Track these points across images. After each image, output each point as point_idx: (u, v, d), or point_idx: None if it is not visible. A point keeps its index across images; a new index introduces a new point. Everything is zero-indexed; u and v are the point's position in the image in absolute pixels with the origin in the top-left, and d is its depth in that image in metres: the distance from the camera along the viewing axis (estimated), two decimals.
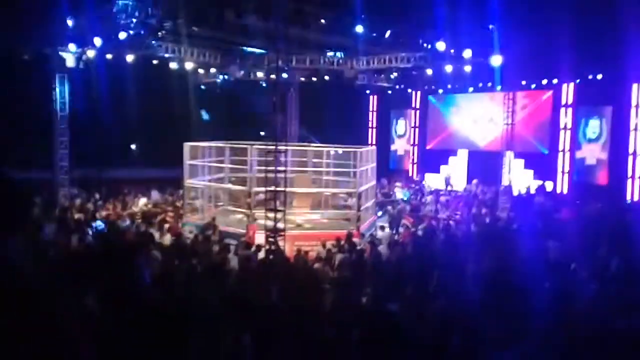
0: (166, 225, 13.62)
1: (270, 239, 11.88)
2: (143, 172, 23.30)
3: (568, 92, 22.11)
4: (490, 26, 16.49)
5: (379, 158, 18.31)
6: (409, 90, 27.48)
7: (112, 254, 8.95)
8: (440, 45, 17.11)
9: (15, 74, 19.39)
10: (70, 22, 15.72)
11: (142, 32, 16.44)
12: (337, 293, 8.67)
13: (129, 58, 17.95)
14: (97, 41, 16.26)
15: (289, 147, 13.69)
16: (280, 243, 11.89)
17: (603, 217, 15.69)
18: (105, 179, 21.65)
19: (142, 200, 17.88)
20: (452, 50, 17.71)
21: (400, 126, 29.23)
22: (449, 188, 23.75)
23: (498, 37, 16.89)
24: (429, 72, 20.76)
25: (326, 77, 22.46)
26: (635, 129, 19.71)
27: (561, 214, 16.53)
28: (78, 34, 16.51)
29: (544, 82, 22.48)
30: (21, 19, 15.09)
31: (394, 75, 23.69)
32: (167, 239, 12.22)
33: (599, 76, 20.32)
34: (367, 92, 28.25)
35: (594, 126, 21.45)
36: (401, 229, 14.96)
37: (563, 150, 22.29)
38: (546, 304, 7.51)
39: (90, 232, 12.11)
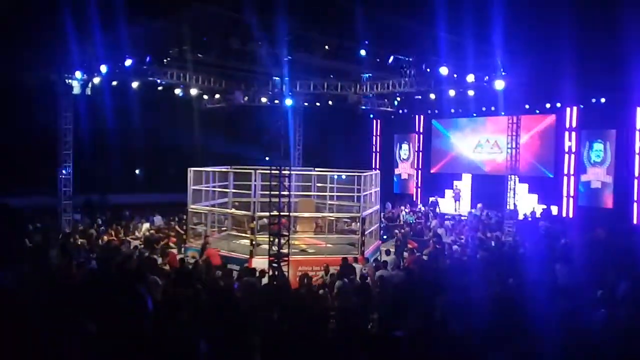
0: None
1: (274, 264, 11.77)
2: (147, 197, 23.33)
3: (572, 115, 22.17)
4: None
5: (383, 182, 18.26)
6: (413, 115, 27.58)
7: (115, 282, 8.91)
8: (443, 70, 17.20)
9: (21, 100, 19.58)
10: (76, 49, 15.91)
11: (148, 59, 16.65)
12: (341, 319, 8.54)
13: (134, 84, 18.09)
14: (103, 68, 16.45)
15: (292, 172, 13.66)
16: (284, 268, 11.78)
17: (609, 240, 15.55)
18: (109, 204, 21.69)
19: (146, 226, 17.82)
20: (455, 75, 17.79)
21: (404, 150, 29.27)
22: (437, 210, 23.73)
23: (501, 62, 16.98)
24: (432, 96, 20.82)
25: (330, 102, 22.56)
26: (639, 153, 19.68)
27: (568, 238, 16.37)
28: (84, 61, 16.72)
29: (548, 106, 22.53)
30: (27, 45, 15.28)
31: (398, 100, 23.80)
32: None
33: (603, 100, 20.36)
34: (371, 116, 28.39)
35: (598, 150, 21.42)
36: (406, 254, 14.83)
37: (568, 174, 22.23)
38: (554, 329, 7.39)
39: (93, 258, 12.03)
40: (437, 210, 23.72)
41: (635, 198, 19.75)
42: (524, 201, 22.31)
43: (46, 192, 18.75)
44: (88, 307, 7.66)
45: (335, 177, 17.21)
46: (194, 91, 20.12)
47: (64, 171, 17.82)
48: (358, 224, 15.09)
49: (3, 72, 17.06)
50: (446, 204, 25.50)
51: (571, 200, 22.10)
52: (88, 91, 17.98)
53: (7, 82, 18.38)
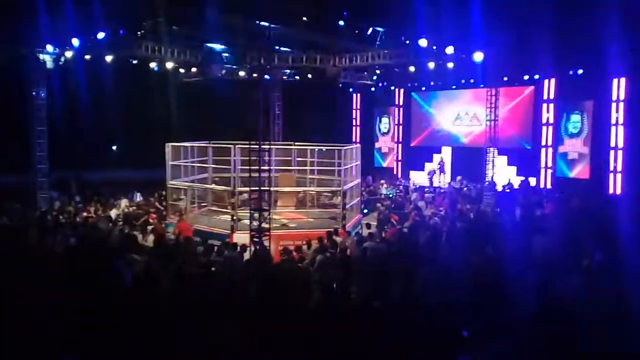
0: (149, 227, 13.44)
1: (255, 239, 11.77)
2: (125, 174, 23.02)
3: (549, 87, 22.32)
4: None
5: (364, 156, 18.26)
6: (392, 88, 27.52)
7: (93, 258, 8.82)
8: (423, 42, 17.12)
9: None
10: (47, 23, 15.44)
11: (121, 32, 16.24)
12: (322, 292, 8.60)
13: (108, 58, 17.66)
14: (75, 42, 16.01)
15: (272, 146, 13.56)
16: (266, 243, 11.79)
17: (585, 210, 15.84)
18: (86, 181, 21.37)
19: (124, 202, 17.61)
20: (434, 47, 17.73)
21: (384, 124, 29.26)
22: (434, 184, 23.90)
23: (480, 34, 16.94)
24: (412, 69, 20.76)
25: (309, 76, 22.35)
26: (616, 124, 19.92)
27: (545, 209, 16.64)
28: (55, 35, 16.24)
29: (526, 77, 22.66)
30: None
31: (377, 73, 23.70)
32: (151, 240, 12.05)
33: (580, 71, 20.50)
34: (350, 90, 28.25)
35: (575, 121, 21.65)
36: (387, 227, 14.92)
37: (546, 146, 22.48)
38: (530, 297, 7.54)
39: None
40: (440, 175, 23.71)
41: (612, 169, 20.06)
42: (503, 173, 22.56)
43: (21, 170, 18.39)
44: (66, 281, 7.61)
45: (316, 150, 17.15)
46: (169, 64, 19.73)
47: (38, 148, 17.49)
48: (339, 197, 15.12)
49: None
50: (425, 177, 25.67)
51: (549, 171, 22.39)
52: (61, 64, 17.48)
53: None
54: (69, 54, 16.92)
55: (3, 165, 19.14)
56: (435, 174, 24.90)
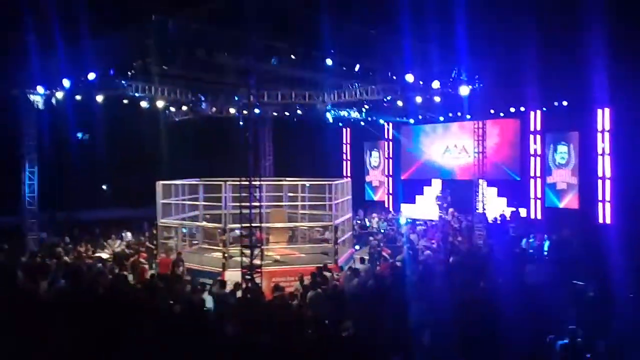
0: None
1: (247, 276, 11.68)
2: (114, 213, 22.90)
3: (536, 119, 22.64)
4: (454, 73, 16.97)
5: (354, 190, 18.32)
6: (381, 122, 27.78)
7: (84, 302, 8.67)
8: (409, 78, 17.39)
9: None
10: (38, 64, 15.56)
11: (112, 72, 16.37)
12: (314, 329, 8.49)
13: (99, 98, 17.76)
14: (66, 82, 16.11)
15: (263, 182, 13.59)
16: (257, 280, 11.69)
17: (576, 240, 15.91)
18: (76, 221, 21.20)
19: (117, 242, 17.47)
20: (420, 82, 18.00)
21: (374, 157, 29.44)
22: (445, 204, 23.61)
23: (465, 68, 17.26)
24: (400, 103, 21.03)
25: (298, 112, 22.58)
26: (602, 154, 20.18)
27: (536, 239, 16.69)
28: (46, 76, 16.35)
29: (512, 110, 22.96)
30: None
31: (366, 107, 23.96)
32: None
33: (565, 103, 20.82)
34: (340, 124, 28.47)
35: (562, 152, 21.91)
36: (379, 261, 14.87)
37: (534, 177, 22.67)
38: (524, 329, 7.50)
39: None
40: (448, 199, 23.59)
41: (600, 198, 20.22)
42: (494, 204, 22.64)
43: (10, 211, 18.25)
44: (55, 325, 7.49)
45: (307, 186, 17.19)
46: (160, 103, 19.87)
47: (28, 188, 17.41)
48: (331, 232, 15.09)
49: None
50: (417, 210, 25.72)
51: (538, 202, 22.53)
52: (52, 105, 17.55)
53: None
54: (59, 94, 17.02)
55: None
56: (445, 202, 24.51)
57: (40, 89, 16.80)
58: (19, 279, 11.65)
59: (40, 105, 17.31)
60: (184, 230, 16.31)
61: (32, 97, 17.11)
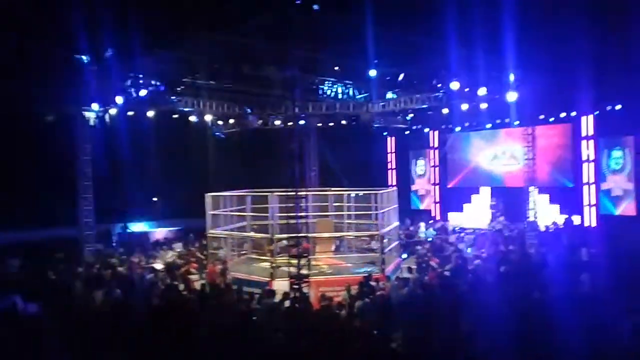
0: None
1: (295, 286, 11.75)
2: (166, 224, 23.52)
3: (588, 124, 21.94)
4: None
5: (401, 199, 18.18)
6: (426, 130, 27.55)
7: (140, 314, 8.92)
8: (454, 85, 17.20)
9: (40, 134, 19.95)
10: (92, 82, 16.23)
11: (162, 88, 16.92)
12: (363, 340, 8.45)
13: (150, 114, 18.36)
14: (119, 99, 16.73)
15: (309, 193, 13.69)
16: (305, 289, 11.75)
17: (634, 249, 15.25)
18: (130, 233, 21.89)
19: (168, 253, 17.94)
20: (466, 89, 17.77)
21: (419, 166, 29.18)
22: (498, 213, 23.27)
23: (513, 73, 16.92)
24: (445, 111, 20.79)
25: (343, 122, 22.65)
26: None
27: (592, 248, 16.10)
28: (100, 93, 17.03)
29: (563, 115, 22.31)
30: (45, 80, 15.62)
31: (410, 116, 23.81)
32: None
33: (618, 106, 20.11)
34: (385, 133, 28.41)
35: (617, 157, 21.15)
36: (427, 271, 14.69)
37: (588, 183, 21.94)
38: (580, 343, 7.25)
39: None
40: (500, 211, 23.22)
41: None
42: (546, 212, 22.03)
43: (68, 224, 19.01)
44: (112, 337, 7.73)
45: (352, 196, 17.19)
46: (208, 117, 20.35)
47: (85, 202, 18.10)
48: (377, 242, 15.03)
49: (21, 108, 17.43)
50: (465, 218, 25.29)
51: (593, 209, 21.77)
52: (105, 121, 18.26)
53: (26, 117, 18.77)
54: (112, 111, 17.70)
55: (50, 220, 19.82)
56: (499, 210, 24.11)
57: (95, 107, 17.49)
58: (77, 289, 12.11)
59: (94, 122, 18.02)
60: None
61: (86, 114, 17.83)
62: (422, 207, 28.71)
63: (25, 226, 19.65)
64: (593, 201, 21.74)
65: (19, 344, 6.74)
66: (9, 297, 8.53)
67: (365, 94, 20.72)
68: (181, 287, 12.35)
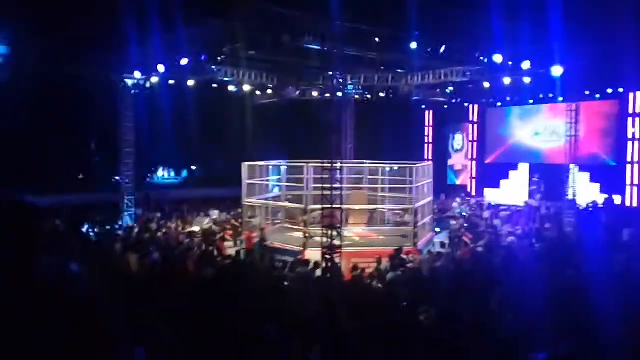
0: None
1: (327, 256, 11.93)
2: (203, 192, 24.02)
3: (635, 100, 21.17)
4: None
5: (436, 174, 18.07)
6: (466, 104, 27.06)
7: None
8: (497, 58, 16.79)
9: (84, 99, 20.52)
10: (135, 50, 16.53)
11: (203, 57, 17.10)
12: (393, 311, 8.58)
13: (190, 83, 18.62)
14: (161, 68, 17.01)
15: (344, 165, 13.75)
16: (337, 260, 11.92)
17: None
18: (167, 199, 22.45)
19: (205, 220, 18.37)
20: (509, 62, 17.34)
21: (457, 141, 28.79)
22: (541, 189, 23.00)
23: (559, 47, 16.40)
24: (487, 85, 20.34)
25: (381, 94, 22.46)
26: None
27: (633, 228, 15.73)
28: (143, 62, 17.35)
29: (609, 91, 21.57)
30: (90, 46, 15.99)
31: (450, 89, 23.40)
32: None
33: None
34: (423, 107, 28.05)
35: None
36: (460, 246, 14.66)
37: (632, 162, 21.27)
38: (614, 322, 7.18)
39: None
40: (542, 189, 22.99)
41: None
42: (585, 191, 21.53)
43: (110, 188, 19.65)
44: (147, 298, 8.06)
45: (387, 169, 17.17)
46: (246, 87, 20.49)
47: (125, 168, 18.64)
48: (411, 215, 15.04)
49: (67, 73, 17.91)
50: (502, 195, 24.95)
51: (635, 189, 21.15)
52: (146, 89, 18.62)
53: (71, 82, 19.29)
54: (154, 79, 18.02)
55: (93, 184, 20.52)
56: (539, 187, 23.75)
57: (137, 74, 17.83)
58: (116, 250, 12.58)
59: (136, 89, 18.41)
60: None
61: (129, 82, 18.22)
62: (458, 182, 28.44)
63: (68, 190, 20.39)
64: (636, 181, 21.11)
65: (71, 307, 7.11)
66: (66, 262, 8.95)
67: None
68: (215, 253, 12.69)
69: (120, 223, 17.96)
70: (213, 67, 18.02)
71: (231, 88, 20.47)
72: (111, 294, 7.93)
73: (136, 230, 16.07)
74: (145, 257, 11.18)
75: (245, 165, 16.34)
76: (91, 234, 15.77)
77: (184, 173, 25.05)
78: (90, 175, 21.33)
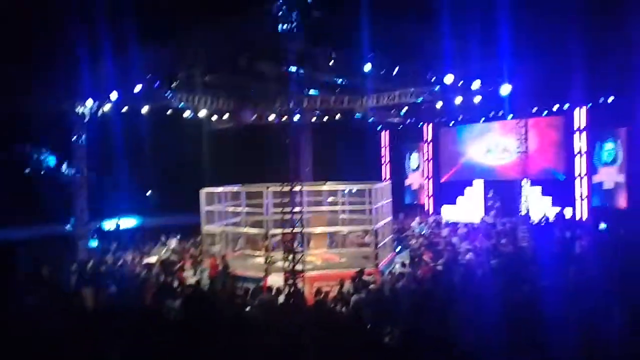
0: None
1: (289, 281, 11.83)
2: (159, 221, 23.50)
3: (580, 116, 22.10)
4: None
5: (394, 193, 18.27)
6: (420, 124, 27.64)
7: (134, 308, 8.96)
8: (448, 79, 17.26)
9: (34, 130, 19.88)
10: (88, 78, 16.19)
11: (157, 83, 16.90)
12: (358, 334, 8.56)
13: (144, 109, 18.33)
14: (114, 95, 16.70)
15: (303, 188, 13.74)
16: (299, 284, 11.84)
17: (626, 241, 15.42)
18: (124, 229, 21.89)
19: (163, 249, 17.97)
20: (460, 82, 17.85)
21: (413, 160, 29.30)
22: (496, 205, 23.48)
23: (506, 66, 16.99)
24: (439, 104, 20.86)
25: (337, 116, 22.69)
26: None
27: (583, 241, 16.28)
28: (94, 89, 16.98)
29: (555, 107, 22.45)
30: (42, 76, 15.57)
31: (405, 110, 23.86)
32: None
33: (611, 98, 20.22)
34: (379, 128, 28.48)
35: (609, 149, 21.32)
36: (420, 265, 14.81)
37: (580, 176, 22.11)
38: (571, 336, 7.37)
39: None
40: (496, 205, 23.39)
41: None
42: (538, 204, 22.21)
43: (61, 221, 19.01)
44: (109, 332, 7.79)
45: (345, 192, 17.26)
46: (202, 113, 20.33)
47: (79, 198, 18.10)
48: (371, 236, 15.12)
49: (17, 103, 17.35)
50: (458, 212, 25.44)
51: (585, 201, 21.95)
52: (98, 117, 18.23)
53: (20, 113, 18.70)
54: (107, 106, 17.67)
55: (44, 218, 19.80)
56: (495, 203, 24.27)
57: (89, 102, 17.45)
58: (71, 285, 12.17)
59: (87, 117, 17.98)
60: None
61: (80, 110, 17.79)
62: (415, 201, 28.85)
63: (19, 225, 19.60)
64: (585, 194, 21.91)
65: None
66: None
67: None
68: (175, 283, 12.43)
69: (74, 257, 17.35)
70: (167, 93, 17.82)
71: (186, 114, 20.26)
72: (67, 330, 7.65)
73: (90, 263, 15.55)
74: (101, 290, 10.84)
75: (203, 192, 16.13)
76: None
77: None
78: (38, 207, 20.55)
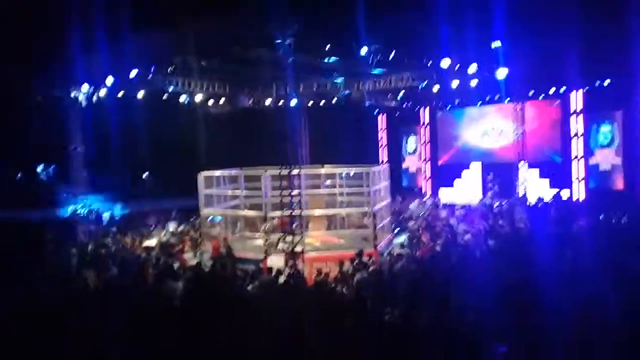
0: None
1: (290, 262, 11.96)
2: (158, 204, 23.54)
3: (577, 99, 22.15)
4: (494, 44, 16.54)
5: (392, 176, 18.36)
6: (417, 108, 27.64)
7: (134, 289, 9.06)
8: (445, 63, 17.23)
9: (30, 116, 19.82)
10: (82, 63, 16.11)
11: (152, 68, 16.84)
12: (358, 313, 8.67)
13: (140, 94, 18.27)
14: (110, 80, 16.64)
15: (301, 171, 13.81)
16: (300, 266, 11.96)
17: (622, 222, 15.57)
18: (121, 213, 21.92)
19: (162, 232, 18.04)
20: (457, 66, 17.83)
21: (410, 143, 29.34)
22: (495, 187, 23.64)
23: (503, 50, 16.98)
24: (436, 89, 20.82)
25: (334, 100, 22.67)
26: None
27: (580, 222, 16.40)
28: (90, 74, 16.91)
29: (552, 91, 22.48)
30: (36, 61, 15.50)
31: (402, 93, 23.82)
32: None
33: (607, 81, 20.25)
34: (376, 112, 28.46)
35: (605, 131, 21.42)
36: (419, 246, 14.94)
37: (576, 158, 22.23)
38: (567, 314, 7.48)
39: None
40: (495, 187, 23.57)
41: None
42: (536, 186, 22.36)
43: (61, 204, 19.05)
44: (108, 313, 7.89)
45: (344, 174, 17.34)
46: (198, 97, 20.27)
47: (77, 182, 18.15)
48: (369, 218, 15.24)
49: (12, 89, 17.29)
50: (456, 194, 25.56)
51: (581, 183, 22.10)
52: (94, 102, 18.17)
53: (16, 99, 18.63)
54: (102, 91, 17.60)
55: (47, 202, 19.83)
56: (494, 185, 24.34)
57: (85, 88, 17.38)
58: (72, 267, 12.23)
59: (84, 103, 17.93)
60: (217, 220, 16.63)
61: (75, 95, 17.72)
62: (412, 184, 28.95)
63: (20, 207, 19.64)
64: (582, 176, 22.06)
65: None
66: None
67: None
68: (175, 265, 12.50)
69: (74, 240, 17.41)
70: (163, 78, 17.77)
71: (183, 98, 20.20)
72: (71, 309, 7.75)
73: (91, 246, 15.61)
74: (103, 272, 10.92)
75: (201, 175, 16.18)
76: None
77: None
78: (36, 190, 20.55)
